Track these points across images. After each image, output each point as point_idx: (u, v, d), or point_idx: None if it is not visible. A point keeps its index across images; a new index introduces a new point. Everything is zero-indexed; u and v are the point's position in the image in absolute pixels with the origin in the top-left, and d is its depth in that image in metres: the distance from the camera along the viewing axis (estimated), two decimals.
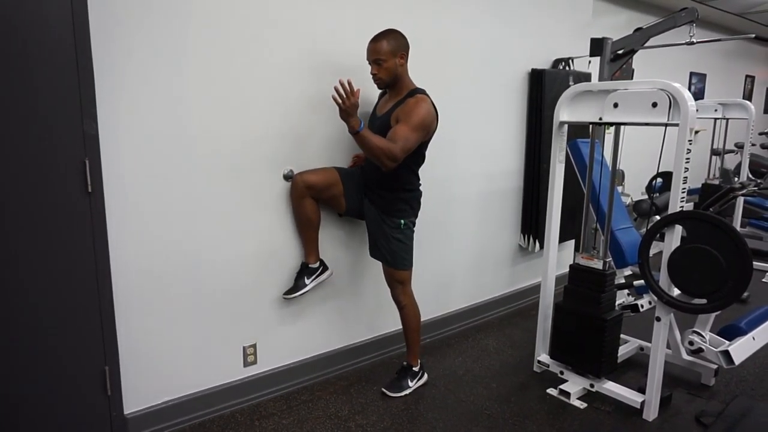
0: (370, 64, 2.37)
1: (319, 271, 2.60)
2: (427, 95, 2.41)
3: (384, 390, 2.65)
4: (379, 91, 2.57)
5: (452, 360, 3.02)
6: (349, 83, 2.15)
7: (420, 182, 2.56)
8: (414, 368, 2.70)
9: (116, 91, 2.01)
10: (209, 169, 2.28)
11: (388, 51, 2.32)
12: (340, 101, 2.15)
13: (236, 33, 2.26)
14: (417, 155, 2.44)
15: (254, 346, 2.54)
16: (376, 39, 2.34)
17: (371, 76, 2.38)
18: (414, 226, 2.57)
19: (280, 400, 2.60)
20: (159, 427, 2.30)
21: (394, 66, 2.35)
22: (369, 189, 2.53)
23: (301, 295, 2.53)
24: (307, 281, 2.56)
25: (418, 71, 2.61)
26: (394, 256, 2.52)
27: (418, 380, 2.71)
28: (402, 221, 2.49)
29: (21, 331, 1.89)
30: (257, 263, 2.48)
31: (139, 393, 2.24)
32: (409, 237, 2.54)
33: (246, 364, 2.53)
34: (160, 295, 2.24)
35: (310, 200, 2.48)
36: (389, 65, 2.34)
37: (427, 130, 2.38)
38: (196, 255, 2.30)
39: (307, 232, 2.54)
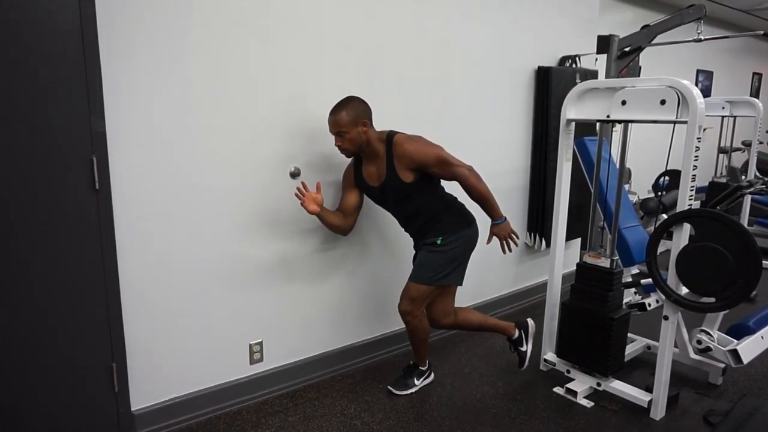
0: (332, 134, 2.33)
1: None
2: (399, 132, 2.39)
3: (390, 388, 2.65)
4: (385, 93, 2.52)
5: (458, 358, 3.02)
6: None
7: (449, 195, 2.53)
8: (421, 367, 2.70)
9: (124, 88, 2.01)
10: (217, 166, 2.28)
11: (348, 122, 2.28)
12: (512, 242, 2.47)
13: (244, 30, 2.25)
14: (427, 177, 2.40)
15: (260, 343, 2.54)
16: (335, 111, 2.29)
17: (336, 147, 2.35)
18: (460, 244, 2.48)
19: (287, 397, 2.60)
20: (166, 424, 2.31)
21: (357, 135, 2.31)
22: (419, 239, 2.54)
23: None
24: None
25: (423, 70, 2.60)
26: (418, 268, 2.48)
27: (425, 379, 2.71)
28: (440, 239, 2.44)
29: (28, 329, 1.90)
30: (263, 260, 2.48)
31: (146, 390, 2.25)
32: (445, 255, 2.44)
33: (252, 361, 2.53)
34: (168, 292, 2.24)
35: (453, 318, 2.61)
36: (352, 136, 2.30)
37: (427, 140, 2.38)
38: (203, 252, 2.30)
39: (486, 328, 2.78)
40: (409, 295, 2.48)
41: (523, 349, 2.77)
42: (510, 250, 2.48)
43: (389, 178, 2.37)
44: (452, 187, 2.50)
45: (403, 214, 2.53)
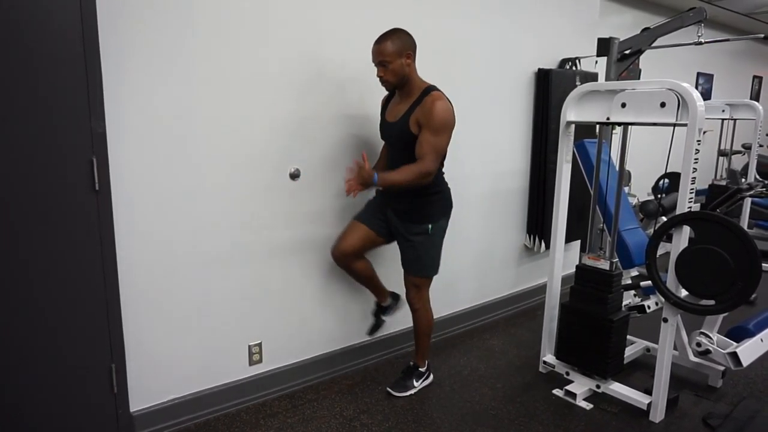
0: (375, 66, 2.31)
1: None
2: (441, 92, 2.33)
3: (389, 389, 2.65)
4: (383, 93, 2.48)
5: (457, 360, 3.02)
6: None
7: (446, 181, 2.51)
8: (420, 369, 2.70)
9: (124, 88, 2.01)
10: (216, 168, 2.28)
11: (393, 52, 2.24)
12: (357, 186, 2.19)
13: (244, 32, 2.26)
14: None
15: (259, 344, 2.54)
16: (380, 40, 2.26)
17: (378, 78, 2.32)
18: (445, 229, 2.49)
19: (286, 399, 2.60)
20: (165, 425, 2.31)
21: (400, 67, 2.27)
22: (391, 199, 2.46)
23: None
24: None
25: (423, 70, 2.58)
26: (418, 262, 2.47)
27: (424, 380, 2.71)
28: (430, 226, 2.42)
29: (28, 329, 1.90)
30: (263, 261, 2.48)
31: (145, 391, 2.25)
32: (436, 243, 2.46)
33: (251, 362, 2.53)
34: (167, 293, 2.24)
35: (357, 262, 2.53)
36: (395, 66, 2.26)
37: (452, 128, 2.31)
38: (203, 253, 2.30)
39: (370, 284, 2.66)
40: (413, 283, 2.52)
41: (383, 318, 2.80)
42: (353, 190, 2.22)
43: (401, 120, 2.33)
44: (451, 178, 2.50)
45: (398, 163, 2.38)
